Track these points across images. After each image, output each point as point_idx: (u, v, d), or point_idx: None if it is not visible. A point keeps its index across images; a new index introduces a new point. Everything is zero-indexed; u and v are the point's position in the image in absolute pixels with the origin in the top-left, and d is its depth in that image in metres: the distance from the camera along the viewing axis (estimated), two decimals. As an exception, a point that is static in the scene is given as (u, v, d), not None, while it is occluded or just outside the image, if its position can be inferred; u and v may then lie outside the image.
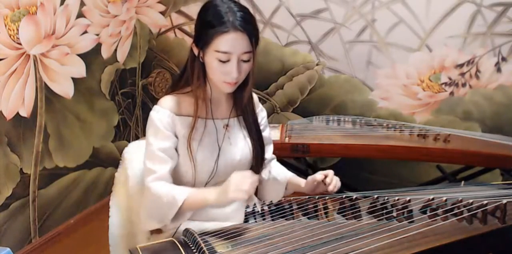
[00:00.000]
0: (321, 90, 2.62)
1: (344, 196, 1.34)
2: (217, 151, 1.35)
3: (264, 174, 1.55)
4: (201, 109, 1.33)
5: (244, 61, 1.25)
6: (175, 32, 2.80)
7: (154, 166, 1.28)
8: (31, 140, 2.08)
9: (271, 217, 1.24)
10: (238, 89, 1.33)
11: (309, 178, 1.38)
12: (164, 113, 1.31)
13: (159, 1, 2.75)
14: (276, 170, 1.55)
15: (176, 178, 1.41)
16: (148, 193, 1.28)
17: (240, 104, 1.39)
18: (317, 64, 2.59)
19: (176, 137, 1.32)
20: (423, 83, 2.44)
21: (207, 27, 1.23)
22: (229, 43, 1.21)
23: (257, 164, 1.42)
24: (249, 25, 1.23)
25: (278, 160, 1.64)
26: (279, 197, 1.47)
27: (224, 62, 1.23)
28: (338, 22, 2.47)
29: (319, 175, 1.34)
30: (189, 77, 1.33)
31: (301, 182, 1.44)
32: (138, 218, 1.39)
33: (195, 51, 1.29)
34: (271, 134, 1.58)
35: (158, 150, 1.28)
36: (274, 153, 1.60)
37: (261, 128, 1.49)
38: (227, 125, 1.39)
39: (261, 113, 1.51)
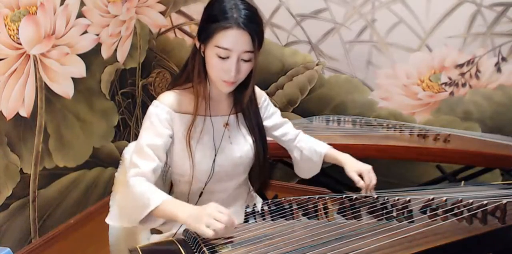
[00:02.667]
0: (321, 90, 2.62)
1: (344, 196, 1.34)
2: (216, 149, 1.35)
3: (296, 153, 1.57)
4: (200, 106, 1.31)
5: (245, 60, 1.22)
6: (175, 32, 2.80)
7: (138, 161, 1.24)
8: (31, 140, 2.08)
9: (271, 217, 1.23)
10: (238, 90, 1.32)
11: (349, 175, 1.43)
12: (163, 109, 1.30)
13: (159, 1, 2.74)
14: (309, 148, 1.55)
15: (175, 178, 1.41)
16: (128, 187, 1.22)
17: (240, 105, 1.39)
18: (317, 64, 2.59)
19: (173, 134, 1.31)
20: (423, 83, 2.44)
21: (210, 21, 1.21)
22: (229, 39, 1.19)
23: (259, 161, 1.42)
24: (252, 24, 1.20)
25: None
26: (315, 172, 1.59)
27: (223, 58, 1.21)
28: (338, 22, 2.47)
29: (360, 182, 1.40)
30: (190, 73, 1.32)
31: (341, 159, 1.49)
32: None
33: (197, 44, 1.27)
34: None
35: (147, 146, 1.26)
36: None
37: (266, 116, 1.49)
38: (227, 123, 1.38)
39: (264, 104, 1.49)
